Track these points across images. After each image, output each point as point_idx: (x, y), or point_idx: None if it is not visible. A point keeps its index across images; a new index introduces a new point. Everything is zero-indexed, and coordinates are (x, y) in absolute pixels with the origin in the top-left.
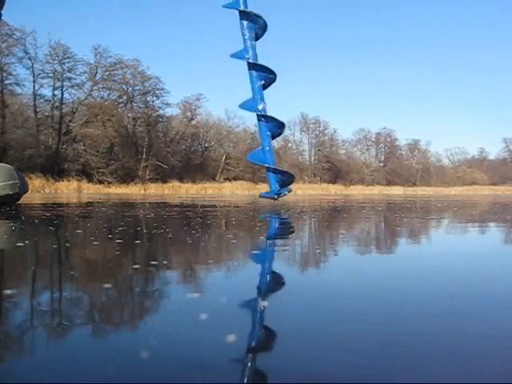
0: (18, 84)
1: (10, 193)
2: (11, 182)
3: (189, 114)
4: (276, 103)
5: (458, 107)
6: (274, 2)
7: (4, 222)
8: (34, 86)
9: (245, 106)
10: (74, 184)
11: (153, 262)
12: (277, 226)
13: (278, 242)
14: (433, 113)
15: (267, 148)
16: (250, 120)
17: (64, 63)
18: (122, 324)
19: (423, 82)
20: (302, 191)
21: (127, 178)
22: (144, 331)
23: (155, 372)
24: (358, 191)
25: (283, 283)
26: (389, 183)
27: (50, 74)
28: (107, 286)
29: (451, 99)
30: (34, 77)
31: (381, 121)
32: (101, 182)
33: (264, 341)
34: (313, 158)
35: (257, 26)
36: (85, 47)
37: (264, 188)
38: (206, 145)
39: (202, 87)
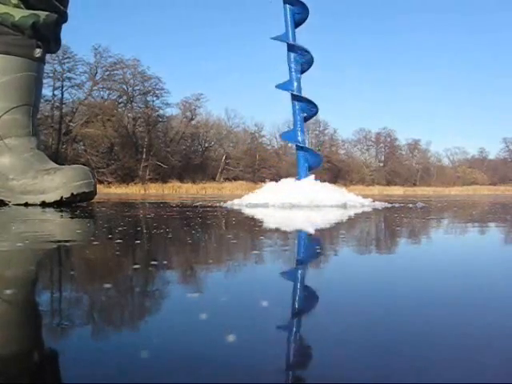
0: None
1: (86, 191)
2: (87, 181)
3: (189, 113)
4: (276, 103)
5: (458, 107)
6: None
7: None
8: None
9: (286, 136)
10: None
11: (153, 262)
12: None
13: (278, 242)
14: (433, 113)
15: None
16: (249, 120)
17: (64, 63)
18: (122, 324)
19: (423, 83)
20: None
21: (127, 178)
22: (144, 331)
23: (154, 372)
24: (358, 191)
25: (284, 283)
26: (389, 183)
27: (50, 74)
28: (107, 285)
29: (451, 99)
30: None
31: (381, 121)
32: (101, 182)
33: (263, 341)
34: None
35: (304, 59)
36: (85, 47)
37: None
38: (206, 145)
39: (202, 87)
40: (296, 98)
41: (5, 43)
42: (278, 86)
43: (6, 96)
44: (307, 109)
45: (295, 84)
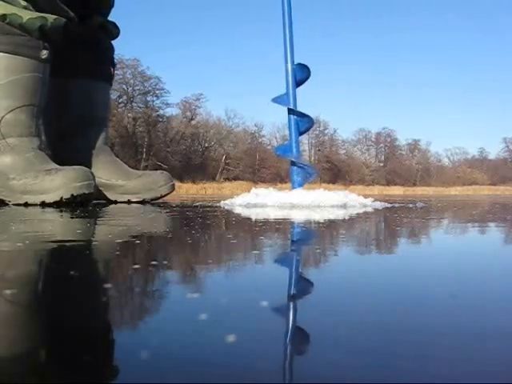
0: None
1: (86, 192)
2: (87, 183)
3: (189, 113)
4: (275, 103)
5: (458, 107)
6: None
7: None
8: None
9: (280, 150)
10: None
11: (153, 262)
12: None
13: (278, 241)
14: (433, 113)
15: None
16: (249, 120)
17: None
18: (122, 324)
19: (423, 82)
20: None
21: None
22: (143, 331)
23: (154, 372)
24: (358, 191)
25: (284, 283)
26: (389, 183)
27: None
28: (107, 285)
29: (451, 99)
30: None
31: (381, 121)
32: None
33: (263, 341)
34: (313, 158)
35: (301, 73)
36: None
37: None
38: (206, 145)
39: (202, 87)
40: (292, 112)
41: (12, 43)
42: (274, 100)
43: (10, 95)
44: (302, 123)
45: (291, 98)
